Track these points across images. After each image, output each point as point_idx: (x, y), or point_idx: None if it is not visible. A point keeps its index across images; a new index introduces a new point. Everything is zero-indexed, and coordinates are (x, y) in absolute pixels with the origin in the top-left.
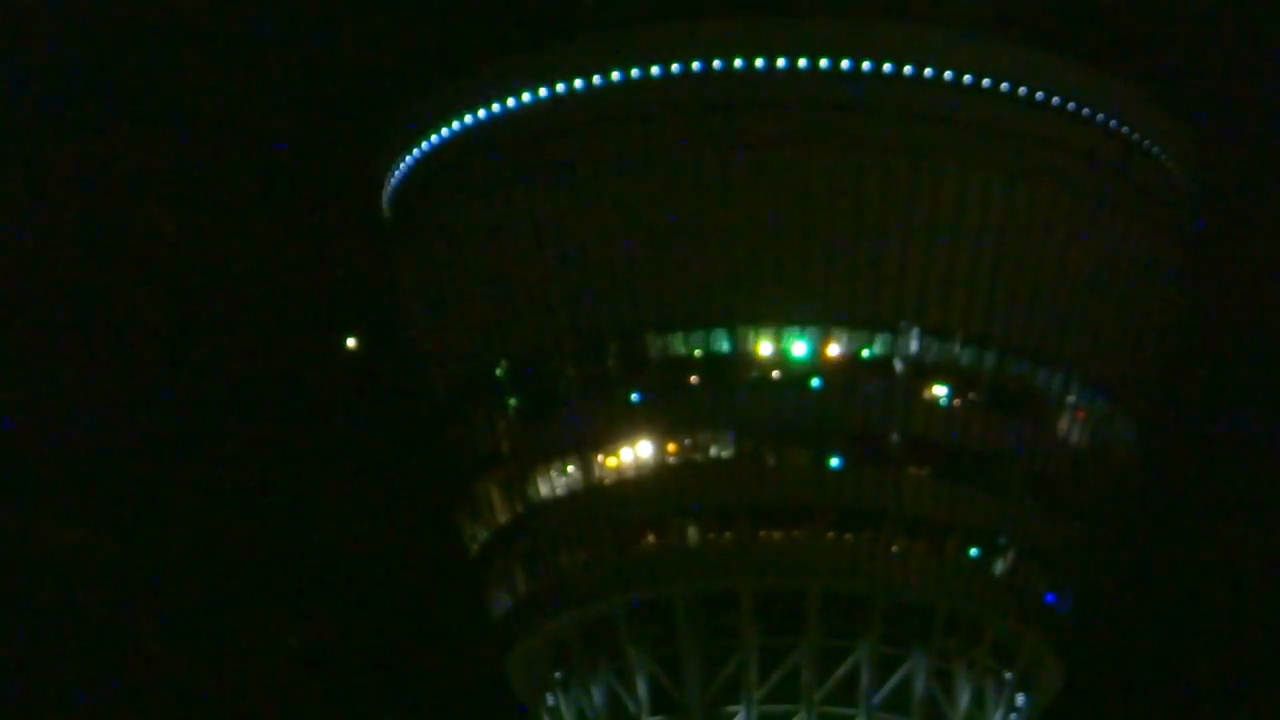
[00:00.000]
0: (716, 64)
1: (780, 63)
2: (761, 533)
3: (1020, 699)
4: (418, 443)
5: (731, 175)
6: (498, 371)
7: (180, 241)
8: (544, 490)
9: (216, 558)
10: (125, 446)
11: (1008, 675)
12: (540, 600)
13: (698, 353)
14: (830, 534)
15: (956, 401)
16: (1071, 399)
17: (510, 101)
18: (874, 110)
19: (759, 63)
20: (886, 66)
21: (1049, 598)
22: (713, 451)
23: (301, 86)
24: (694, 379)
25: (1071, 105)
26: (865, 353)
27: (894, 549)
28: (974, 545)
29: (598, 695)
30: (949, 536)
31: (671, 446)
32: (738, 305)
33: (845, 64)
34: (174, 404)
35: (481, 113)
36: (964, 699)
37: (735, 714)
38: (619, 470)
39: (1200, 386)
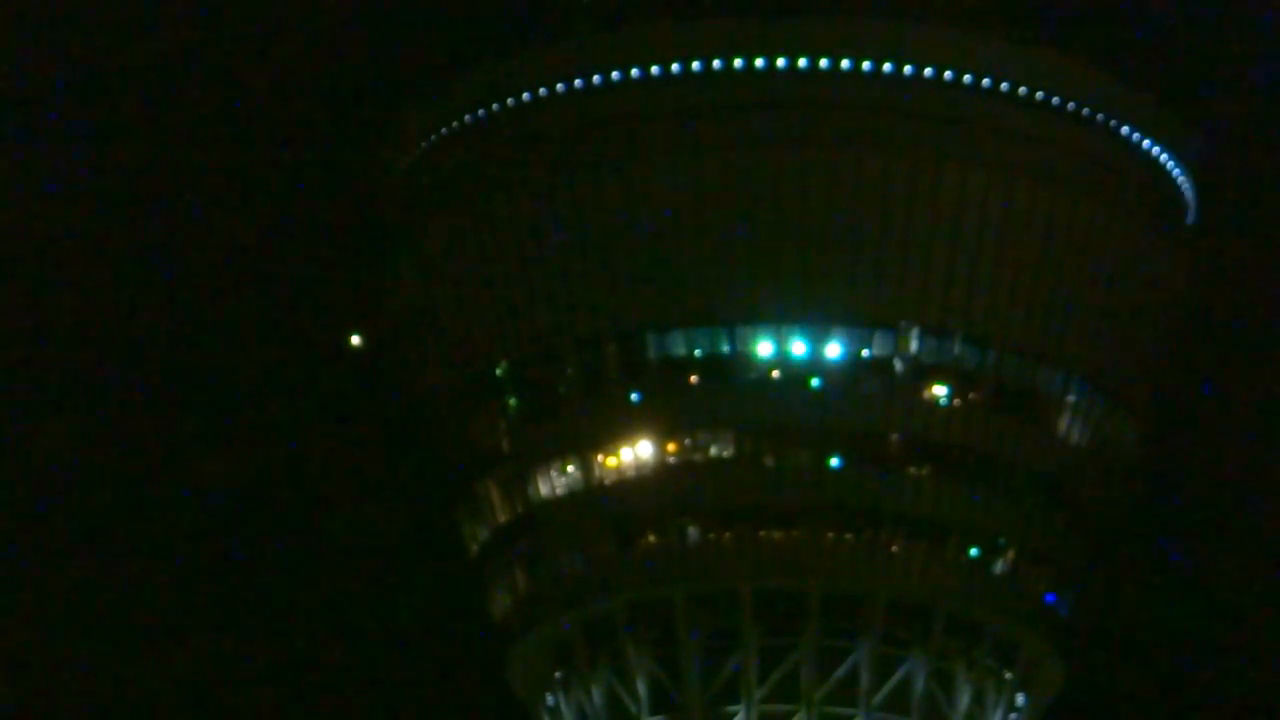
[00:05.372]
0: (716, 64)
1: (780, 63)
2: (761, 533)
3: (1020, 699)
4: (418, 443)
5: (731, 175)
6: (498, 371)
7: (180, 242)
8: (544, 490)
9: (216, 557)
10: (124, 447)
11: (1008, 675)
12: (540, 600)
13: (697, 353)
14: (830, 534)
15: (956, 401)
16: (1071, 399)
17: (510, 101)
18: (874, 110)
19: (759, 63)
20: (886, 66)
21: (1049, 598)
22: (713, 451)
23: (302, 86)
24: (694, 379)
25: (1071, 105)
26: (865, 353)
27: (894, 549)
28: (974, 545)
29: (598, 695)
30: (949, 536)
31: (671, 446)
32: (738, 305)
33: (845, 64)
34: (174, 404)
35: (481, 113)
36: (964, 699)
37: (735, 714)
38: (619, 470)
39: (1200, 386)
